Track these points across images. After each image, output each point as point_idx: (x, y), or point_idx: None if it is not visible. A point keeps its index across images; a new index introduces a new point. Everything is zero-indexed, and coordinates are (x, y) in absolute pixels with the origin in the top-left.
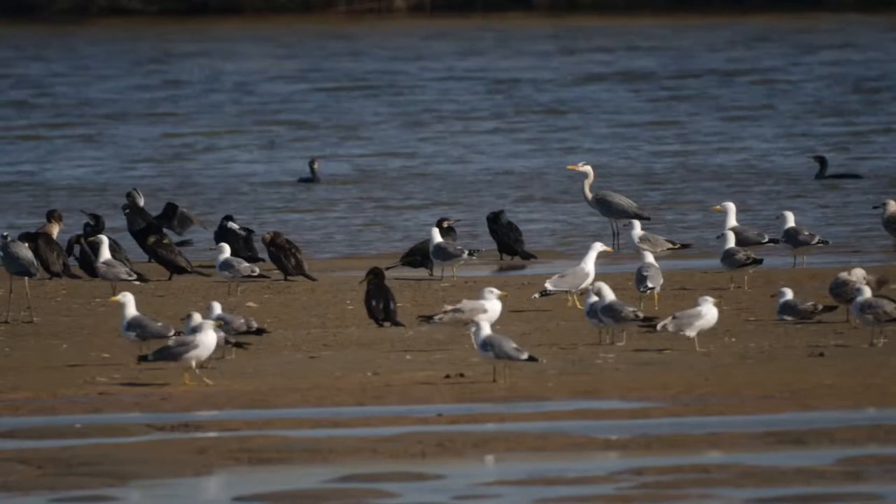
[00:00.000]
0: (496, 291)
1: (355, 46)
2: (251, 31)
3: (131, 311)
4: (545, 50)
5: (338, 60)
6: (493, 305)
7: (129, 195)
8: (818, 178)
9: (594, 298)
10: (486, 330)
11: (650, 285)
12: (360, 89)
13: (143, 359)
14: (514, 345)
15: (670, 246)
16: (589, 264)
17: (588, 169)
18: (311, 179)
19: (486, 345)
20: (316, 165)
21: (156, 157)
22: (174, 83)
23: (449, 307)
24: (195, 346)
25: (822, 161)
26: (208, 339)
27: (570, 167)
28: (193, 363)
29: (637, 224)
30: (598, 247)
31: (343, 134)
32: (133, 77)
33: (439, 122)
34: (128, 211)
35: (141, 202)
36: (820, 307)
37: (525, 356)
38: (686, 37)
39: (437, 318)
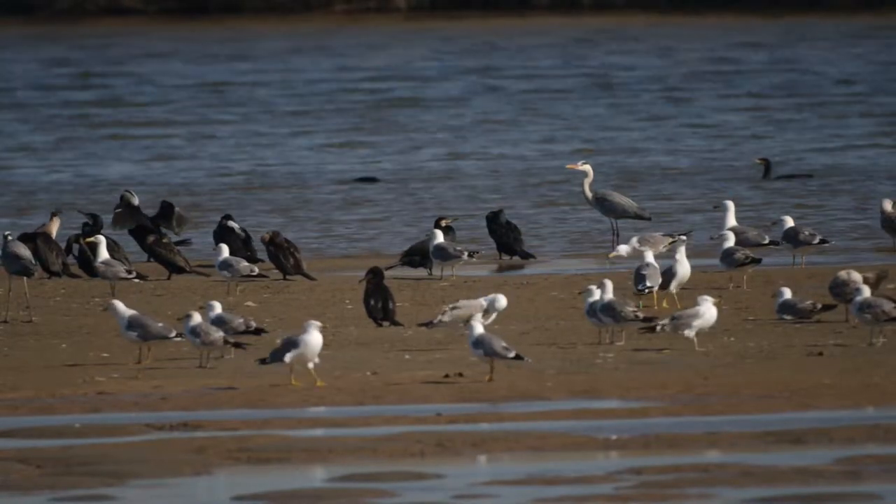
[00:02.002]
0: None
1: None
2: (254, 31)
3: (125, 312)
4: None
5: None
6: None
7: (122, 197)
8: (764, 179)
9: (593, 298)
10: (479, 329)
11: (648, 284)
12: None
13: (262, 362)
14: (504, 343)
15: (670, 240)
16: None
17: (587, 168)
18: (373, 180)
19: (477, 343)
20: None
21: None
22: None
23: (447, 307)
24: (296, 346)
25: (766, 163)
26: (313, 339)
27: (568, 166)
28: (304, 364)
29: (622, 247)
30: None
31: (402, 135)
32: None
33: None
34: (118, 210)
35: (135, 202)
36: (819, 306)
37: (511, 354)
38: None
39: (436, 321)
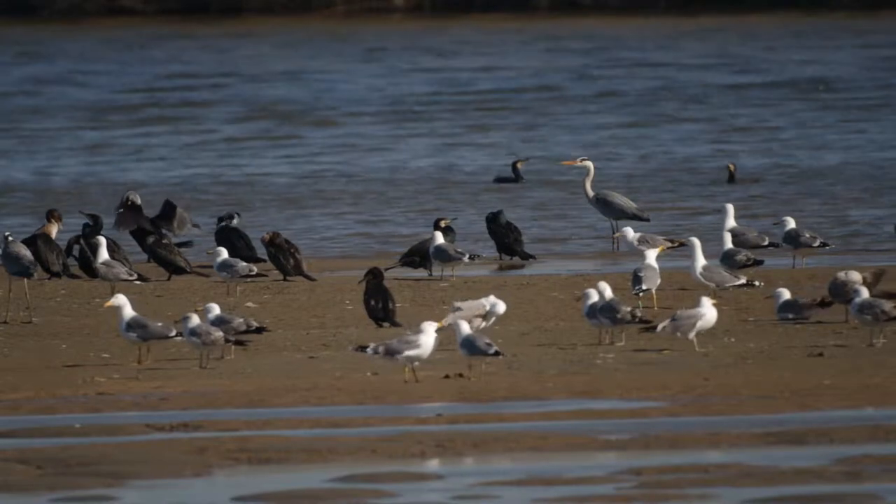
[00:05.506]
0: (500, 304)
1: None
2: (258, 30)
3: (128, 311)
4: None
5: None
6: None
7: (127, 198)
8: (729, 182)
9: (593, 299)
10: (466, 329)
11: (644, 287)
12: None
13: (362, 349)
14: (487, 340)
15: (669, 245)
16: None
17: (588, 164)
18: (512, 179)
19: (463, 343)
20: (520, 166)
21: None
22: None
23: (450, 310)
24: (415, 346)
25: (732, 168)
26: (429, 340)
27: (565, 163)
28: (412, 362)
29: (629, 230)
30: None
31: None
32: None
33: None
34: (121, 210)
35: (138, 202)
36: (818, 299)
37: (492, 351)
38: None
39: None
